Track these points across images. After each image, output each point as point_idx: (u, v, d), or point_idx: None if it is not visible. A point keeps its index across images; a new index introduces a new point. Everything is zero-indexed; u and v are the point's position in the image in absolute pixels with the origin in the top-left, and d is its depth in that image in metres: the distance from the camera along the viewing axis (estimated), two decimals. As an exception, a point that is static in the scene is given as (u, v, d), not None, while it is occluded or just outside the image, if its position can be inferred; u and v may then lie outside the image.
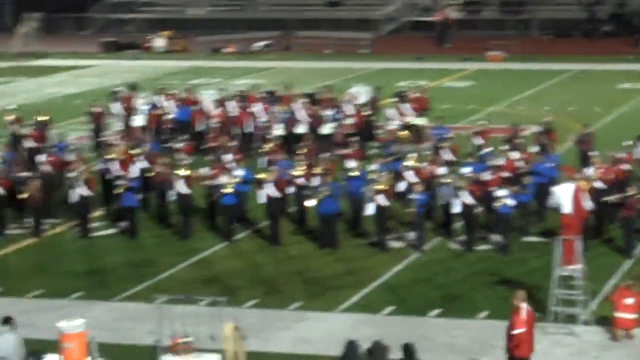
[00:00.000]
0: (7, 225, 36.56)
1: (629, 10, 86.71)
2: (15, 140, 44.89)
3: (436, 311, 28.66)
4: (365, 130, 46.10)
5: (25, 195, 36.26)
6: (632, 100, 57.57)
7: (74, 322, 23.75)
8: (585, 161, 37.74)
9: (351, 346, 23.71)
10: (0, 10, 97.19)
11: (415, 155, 38.24)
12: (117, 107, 49.44)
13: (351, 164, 36.94)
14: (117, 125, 48.61)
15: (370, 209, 34.17)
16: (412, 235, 34.12)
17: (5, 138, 45.68)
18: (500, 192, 33.39)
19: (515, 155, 37.25)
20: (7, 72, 73.71)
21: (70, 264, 33.49)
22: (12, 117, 46.54)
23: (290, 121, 45.75)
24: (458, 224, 34.49)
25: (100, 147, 45.58)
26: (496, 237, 33.68)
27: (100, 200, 38.26)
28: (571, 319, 26.93)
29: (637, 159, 38.16)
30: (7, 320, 24.38)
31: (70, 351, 23.28)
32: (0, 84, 68.76)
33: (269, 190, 34.84)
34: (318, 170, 35.82)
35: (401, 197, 35.60)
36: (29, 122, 45.56)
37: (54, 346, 23.93)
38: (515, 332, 23.20)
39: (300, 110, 46.19)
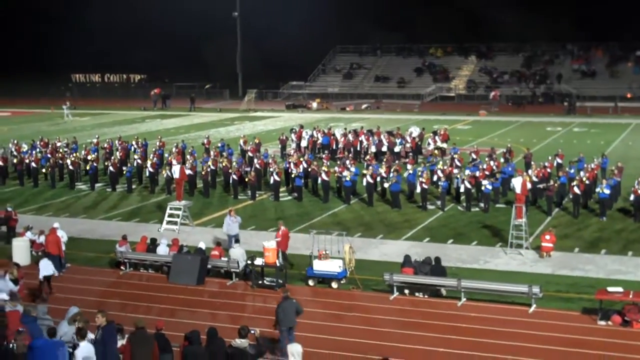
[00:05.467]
0: (238, 195, 36.62)
1: (553, 91, 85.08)
2: (243, 151, 45.05)
3: (451, 241, 28.44)
4: (416, 150, 45.84)
5: (247, 180, 36.54)
6: (552, 136, 56.33)
7: (270, 242, 23.99)
8: (527, 167, 37.29)
9: (407, 257, 23.49)
10: (236, 87, 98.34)
11: (441, 162, 38.04)
12: (293, 136, 49.39)
13: (409, 166, 37.14)
14: (292, 145, 48.69)
15: (418, 189, 34.08)
16: (439, 202, 33.71)
17: (237, 151, 45.78)
18: (485, 182, 33.23)
19: (492, 163, 36.90)
20: (239, 119, 73.86)
21: (269, 214, 33.19)
22: (242, 140, 46.73)
23: (379, 144, 45.30)
24: (462, 197, 34.04)
25: (284, 156, 45.81)
26: (482, 205, 33.33)
27: (283, 182, 37.78)
28: (519, 246, 26.72)
29: (555, 166, 37.73)
30: (237, 240, 25.50)
31: (267, 257, 23.39)
32: (235, 125, 68.92)
33: (368, 179, 34.66)
34: (392, 169, 35.65)
35: (434, 183, 35.38)
36: (250, 143, 45.66)
37: (260, 254, 24.08)
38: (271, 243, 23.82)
39: (384, 139, 45.84)
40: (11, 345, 14.96)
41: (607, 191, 31.10)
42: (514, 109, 77.71)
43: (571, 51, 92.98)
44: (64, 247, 25.40)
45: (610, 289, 20.59)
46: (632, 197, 30.98)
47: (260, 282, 23.66)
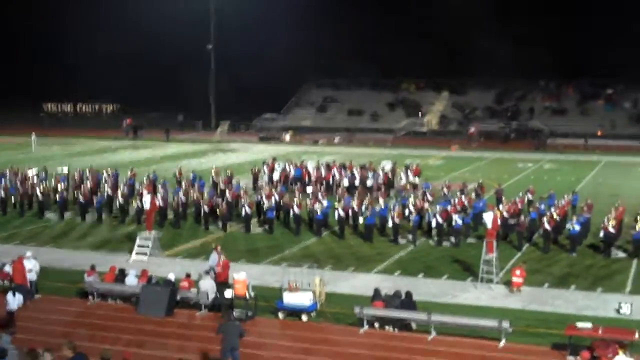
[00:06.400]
0: (209, 226, 36.63)
1: (525, 128, 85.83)
2: (214, 183, 44.91)
3: (421, 274, 28.48)
4: (389, 183, 45.94)
5: (218, 211, 36.60)
6: (523, 172, 56.86)
7: (240, 273, 23.88)
8: (498, 202, 37.50)
9: (376, 291, 23.63)
10: (209, 118, 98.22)
11: (413, 196, 38.28)
12: (265, 169, 49.16)
13: (381, 200, 36.85)
14: (265, 178, 48.41)
15: (390, 223, 34.07)
16: (410, 236, 33.76)
17: (209, 182, 45.54)
18: (455, 216, 33.37)
19: (463, 198, 37.24)
20: (211, 150, 74.02)
21: (239, 245, 33.31)
22: (214, 171, 46.61)
23: (351, 178, 45.49)
24: (434, 232, 34.08)
25: (256, 188, 45.53)
26: (452, 239, 33.43)
27: (254, 214, 37.64)
28: (490, 281, 26.78)
29: (526, 202, 38.03)
30: (208, 271, 25.26)
31: (237, 288, 23.38)
32: (208, 156, 68.89)
33: (340, 212, 34.93)
34: (365, 202, 35.83)
35: (406, 217, 35.49)
36: (222, 175, 45.70)
37: (230, 286, 23.88)
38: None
39: (356, 173, 45.96)
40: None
41: (577, 227, 31.50)
42: (493, 144, 78.11)
43: (543, 88, 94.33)
44: (35, 277, 25.23)
45: (579, 324, 20.72)
46: (601, 234, 31.42)
47: (229, 314, 23.45)
